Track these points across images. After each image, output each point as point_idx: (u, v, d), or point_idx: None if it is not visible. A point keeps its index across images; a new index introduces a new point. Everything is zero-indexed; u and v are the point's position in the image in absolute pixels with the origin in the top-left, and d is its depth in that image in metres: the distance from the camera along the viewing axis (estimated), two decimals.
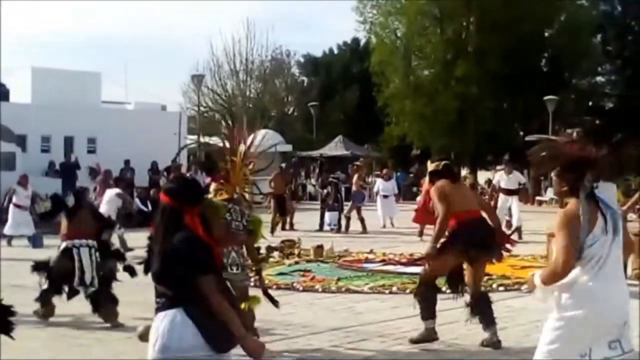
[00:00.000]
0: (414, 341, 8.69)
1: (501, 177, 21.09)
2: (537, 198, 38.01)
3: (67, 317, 10.39)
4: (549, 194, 34.42)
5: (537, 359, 5.15)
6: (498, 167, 24.28)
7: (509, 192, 20.67)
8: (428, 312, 8.64)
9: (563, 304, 5.02)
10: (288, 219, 23.55)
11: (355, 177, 24.49)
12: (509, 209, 20.54)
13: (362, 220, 22.63)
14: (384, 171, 27.20)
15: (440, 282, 9.24)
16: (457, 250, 8.55)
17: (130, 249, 14.74)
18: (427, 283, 8.72)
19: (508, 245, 9.10)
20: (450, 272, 8.84)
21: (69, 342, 9.27)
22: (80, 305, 10.28)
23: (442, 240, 8.65)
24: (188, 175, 24.49)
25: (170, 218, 4.72)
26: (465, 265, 8.84)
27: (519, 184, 21.31)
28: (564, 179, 5.16)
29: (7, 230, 20.35)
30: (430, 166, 9.29)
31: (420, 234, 19.89)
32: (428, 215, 20.21)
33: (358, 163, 27.71)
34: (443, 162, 9.18)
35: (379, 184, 25.73)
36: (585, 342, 5.01)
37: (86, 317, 10.24)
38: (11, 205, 20.57)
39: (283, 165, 25.84)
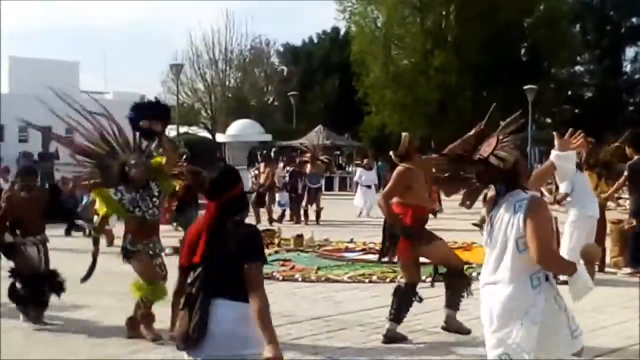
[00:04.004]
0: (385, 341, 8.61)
1: None
2: None
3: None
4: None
5: None
6: None
7: None
8: (400, 314, 8.54)
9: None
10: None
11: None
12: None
13: (318, 211, 22.58)
14: (365, 161, 26.93)
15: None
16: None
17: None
18: (411, 284, 8.64)
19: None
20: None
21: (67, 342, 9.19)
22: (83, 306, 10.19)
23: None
24: None
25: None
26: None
27: None
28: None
29: None
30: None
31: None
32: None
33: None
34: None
35: (360, 173, 25.60)
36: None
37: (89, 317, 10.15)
38: None
39: (270, 155, 25.48)
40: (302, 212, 22.64)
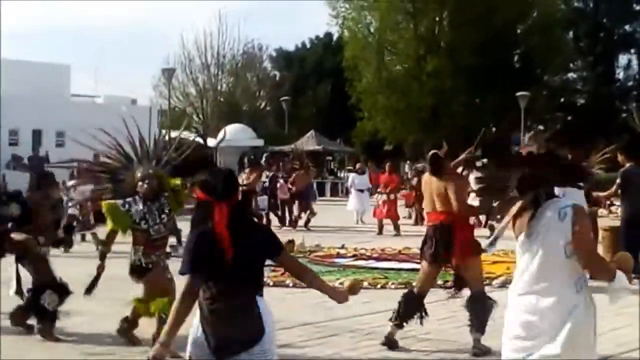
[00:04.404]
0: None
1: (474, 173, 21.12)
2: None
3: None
4: None
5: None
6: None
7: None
8: (402, 319, 8.43)
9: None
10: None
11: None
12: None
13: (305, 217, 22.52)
14: (358, 165, 27.10)
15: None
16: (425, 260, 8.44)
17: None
18: (418, 293, 8.51)
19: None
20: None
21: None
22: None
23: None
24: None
25: (202, 212, 4.76)
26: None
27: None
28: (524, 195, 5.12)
29: None
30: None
31: (380, 229, 20.40)
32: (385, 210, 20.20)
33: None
34: (432, 153, 8.70)
35: (353, 178, 25.60)
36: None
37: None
38: None
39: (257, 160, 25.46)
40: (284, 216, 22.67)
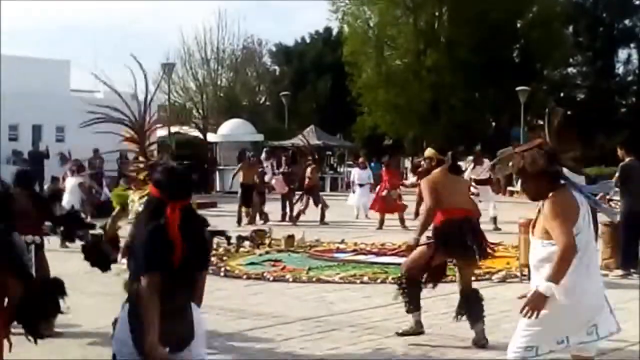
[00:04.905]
0: (401, 334, 8.53)
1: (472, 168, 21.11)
2: (509, 188, 38.12)
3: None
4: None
5: (515, 345, 5.14)
6: (469, 158, 24.31)
7: (480, 182, 20.68)
8: (411, 304, 8.46)
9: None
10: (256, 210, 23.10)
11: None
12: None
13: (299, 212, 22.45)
14: (360, 160, 27.11)
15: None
16: (439, 250, 8.36)
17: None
18: (407, 277, 8.53)
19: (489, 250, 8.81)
20: (433, 267, 8.63)
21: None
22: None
23: (429, 235, 8.44)
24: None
25: (153, 209, 4.64)
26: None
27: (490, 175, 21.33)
28: (538, 181, 5.23)
29: None
30: (431, 153, 8.84)
31: (381, 224, 20.34)
32: (385, 205, 20.27)
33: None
34: (452, 152, 8.82)
35: (355, 172, 25.58)
36: (564, 330, 5.09)
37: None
38: None
39: (250, 154, 25.56)
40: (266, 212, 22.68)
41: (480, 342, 8.26)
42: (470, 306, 8.39)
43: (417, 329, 8.51)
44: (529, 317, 4.92)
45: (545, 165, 5.16)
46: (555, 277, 4.90)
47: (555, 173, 5.22)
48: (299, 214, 22.24)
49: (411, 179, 20.32)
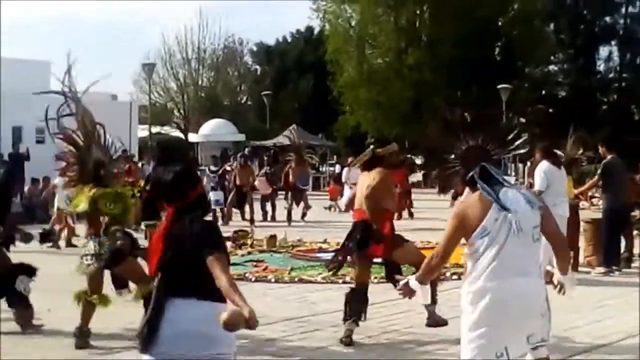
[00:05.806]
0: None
1: None
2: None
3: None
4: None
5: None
6: None
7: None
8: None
9: (465, 302, 4.97)
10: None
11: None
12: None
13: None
14: (350, 159, 26.99)
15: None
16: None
17: None
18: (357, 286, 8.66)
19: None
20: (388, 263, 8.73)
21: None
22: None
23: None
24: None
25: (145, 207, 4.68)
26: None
27: None
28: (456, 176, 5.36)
29: None
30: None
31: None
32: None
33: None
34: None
35: (347, 172, 25.41)
36: (500, 341, 4.87)
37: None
38: None
39: (241, 154, 25.29)
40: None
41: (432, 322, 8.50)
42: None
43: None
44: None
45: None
46: (419, 277, 5.11)
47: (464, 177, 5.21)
48: (289, 214, 22.21)
49: None
